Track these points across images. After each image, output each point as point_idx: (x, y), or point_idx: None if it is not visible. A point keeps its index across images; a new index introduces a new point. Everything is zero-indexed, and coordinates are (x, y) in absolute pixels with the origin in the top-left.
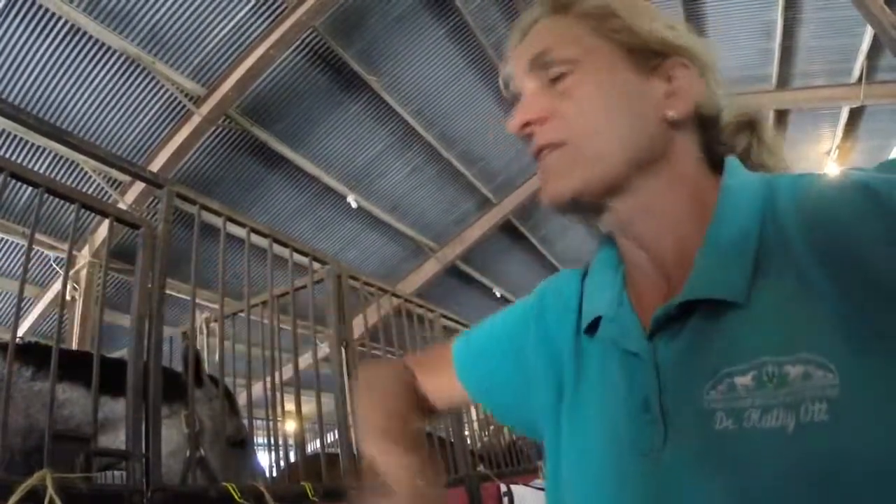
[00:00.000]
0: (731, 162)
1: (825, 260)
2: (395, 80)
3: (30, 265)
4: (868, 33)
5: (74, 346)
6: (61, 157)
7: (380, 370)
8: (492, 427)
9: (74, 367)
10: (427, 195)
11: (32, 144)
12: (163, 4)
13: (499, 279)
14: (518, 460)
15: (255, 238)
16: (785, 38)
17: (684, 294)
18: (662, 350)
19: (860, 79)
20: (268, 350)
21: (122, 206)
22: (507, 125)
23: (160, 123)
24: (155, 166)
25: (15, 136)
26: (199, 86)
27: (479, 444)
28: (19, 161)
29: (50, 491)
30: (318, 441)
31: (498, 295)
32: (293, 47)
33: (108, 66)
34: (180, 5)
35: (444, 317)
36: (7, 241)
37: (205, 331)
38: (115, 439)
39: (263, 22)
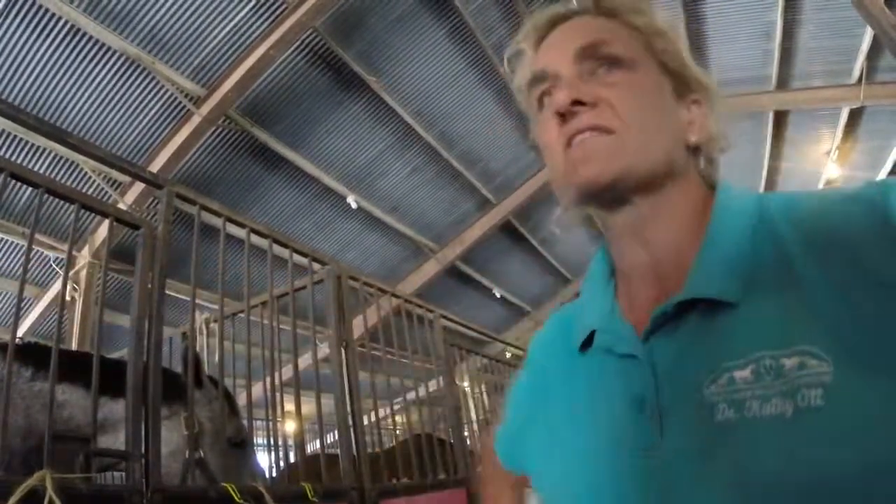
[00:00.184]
0: (725, 182)
1: (820, 260)
2: (395, 81)
3: (29, 265)
4: (868, 34)
5: (74, 347)
6: (61, 158)
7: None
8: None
9: (74, 367)
10: (427, 196)
11: (32, 145)
12: (163, 5)
13: (498, 280)
14: None
15: (254, 238)
16: (785, 39)
17: (685, 293)
18: (658, 350)
19: (860, 79)
20: (268, 350)
21: (122, 206)
22: (555, 99)
23: (160, 124)
24: (155, 167)
25: (15, 136)
26: (199, 86)
27: (478, 445)
28: (19, 161)
29: (49, 491)
30: (317, 441)
31: (498, 295)
32: (293, 48)
33: (108, 67)
34: (180, 6)
35: (444, 317)
36: (7, 241)
37: (205, 331)
38: (115, 440)
39: (263, 22)
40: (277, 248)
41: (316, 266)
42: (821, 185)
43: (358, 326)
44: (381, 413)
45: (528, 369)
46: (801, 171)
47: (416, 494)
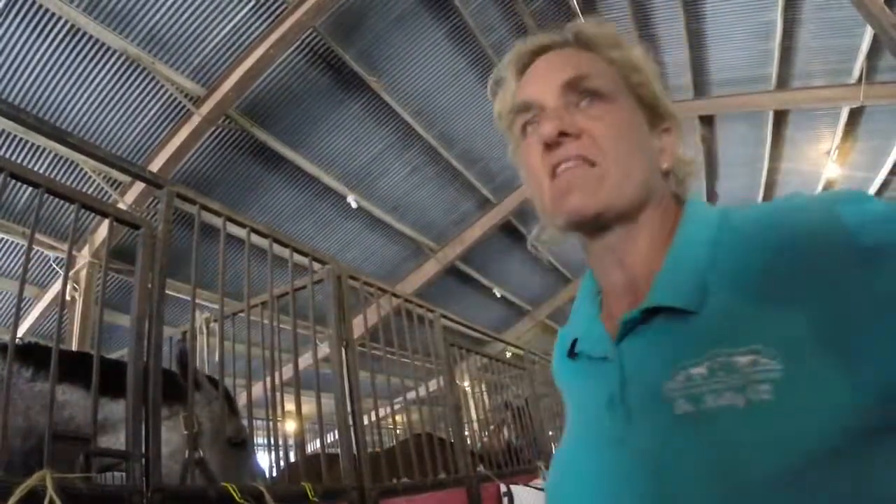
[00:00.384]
0: (692, 201)
1: (771, 268)
2: (395, 81)
3: (29, 265)
4: (868, 34)
5: (74, 347)
6: (61, 158)
7: None
8: (491, 427)
9: (74, 368)
10: (427, 195)
11: (32, 144)
12: (163, 5)
13: (499, 279)
14: (517, 460)
15: (254, 238)
16: (785, 39)
17: (647, 302)
18: (627, 352)
19: (860, 79)
20: (268, 350)
21: (121, 206)
22: (542, 131)
23: (160, 124)
24: (155, 166)
25: (15, 136)
26: (198, 86)
27: (478, 445)
28: (19, 161)
29: (50, 491)
30: (318, 441)
31: (498, 295)
32: (293, 47)
33: (108, 67)
34: (180, 6)
35: (445, 317)
36: (7, 241)
37: (205, 331)
38: (115, 441)
39: (263, 22)
40: (277, 248)
41: (316, 266)
42: (821, 185)
43: (358, 326)
44: (382, 413)
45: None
46: (800, 170)
47: (417, 494)
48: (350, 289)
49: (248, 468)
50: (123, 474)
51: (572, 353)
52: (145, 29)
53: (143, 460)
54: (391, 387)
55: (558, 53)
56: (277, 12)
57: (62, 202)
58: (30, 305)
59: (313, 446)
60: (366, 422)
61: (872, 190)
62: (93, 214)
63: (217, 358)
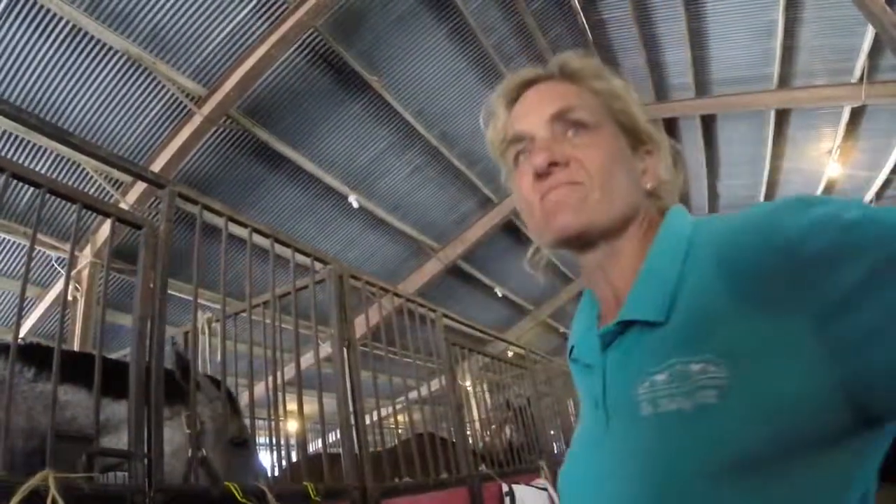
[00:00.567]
0: (670, 213)
1: (724, 280)
2: (396, 80)
3: (31, 265)
4: (869, 33)
5: (76, 347)
6: (62, 158)
7: None
8: (493, 427)
9: (76, 369)
10: (428, 195)
11: (34, 145)
12: (164, 5)
13: (500, 279)
14: (519, 460)
15: (256, 238)
16: (786, 38)
17: (619, 316)
18: (608, 360)
19: (861, 78)
20: (270, 350)
21: (123, 206)
22: (534, 161)
23: (161, 124)
24: (156, 166)
25: (16, 136)
26: (200, 86)
27: (480, 444)
28: (21, 161)
29: (52, 491)
30: (319, 441)
31: (500, 295)
32: (294, 47)
33: (109, 67)
34: (181, 5)
35: (446, 316)
36: (8, 241)
37: (206, 331)
38: (118, 441)
39: (264, 22)
40: (279, 248)
41: (318, 265)
42: (822, 184)
43: (360, 326)
44: (384, 412)
45: None
46: (802, 169)
47: (419, 494)
48: (352, 288)
49: (251, 468)
50: (126, 474)
51: (573, 360)
52: (146, 29)
53: (146, 460)
54: (393, 386)
55: (545, 86)
56: (278, 12)
57: (64, 202)
58: (31, 305)
59: (315, 446)
60: (367, 421)
61: (874, 189)
62: (95, 214)
63: (219, 358)
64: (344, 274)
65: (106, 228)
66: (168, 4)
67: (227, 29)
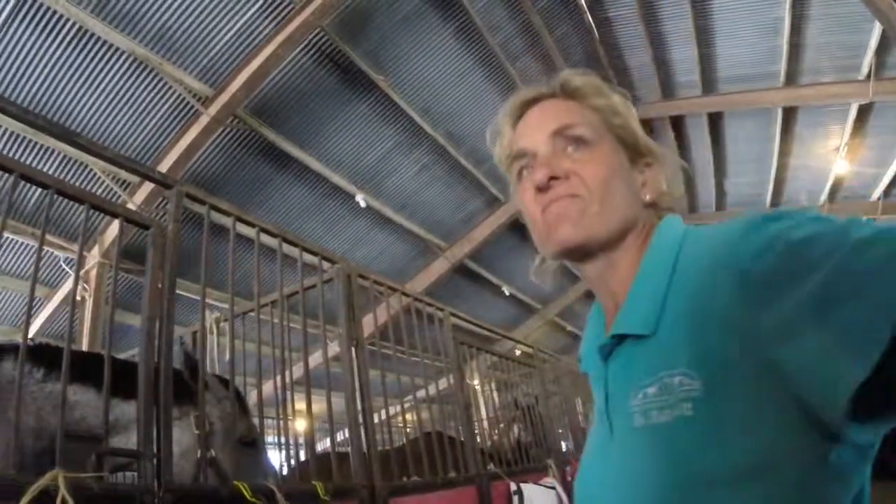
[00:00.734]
0: (660, 225)
1: (700, 294)
2: (403, 80)
3: (39, 266)
4: (876, 29)
5: (84, 347)
6: (69, 159)
7: None
8: (501, 426)
9: (86, 369)
10: (435, 194)
11: (41, 146)
12: (170, 5)
13: (508, 277)
14: (527, 459)
15: (264, 238)
16: (793, 35)
17: (612, 331)
18: (609, 371)
19: (869, 75)
20: (278, 349)
21: (131, 206)
22: (535, 177)
23: (168, 124)
24: (164, 167)
25: (23, 137)
26: (207, 86)
27: (488, 443)
28: (28, 162)
29: (62, 490)
30: (328, 440)
31: (507, 293)
32: (301, 47)
33: (115, 68)
34: (188, 6)
35: (454, 315)
36: (17, 241)
37: (215, 330)
38: (127, 442)
39: (271, 22)
40: (287, 247)
41: (326, 265)
42: (830, 182)
43: (368, 325)
44: (392, 411)
45: None
46: (809, 167)
47: (427, 493)
48: (360, 288)
49: (260, 467)
50: (135, 474)
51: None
52: (153, 30)
53: (155, 460)
54: (401, 385)
55: (547, 104)
56: (285, 12)
57: (71, 203)
58: (40, 306)
59: (323, 445)
60: (376, 420)
61: (882, 186)
62: (102, 215)
63: (227, 357)
64: (352, 273)
65: (113, 229)
66: (174, 5)
67: (234, 29)
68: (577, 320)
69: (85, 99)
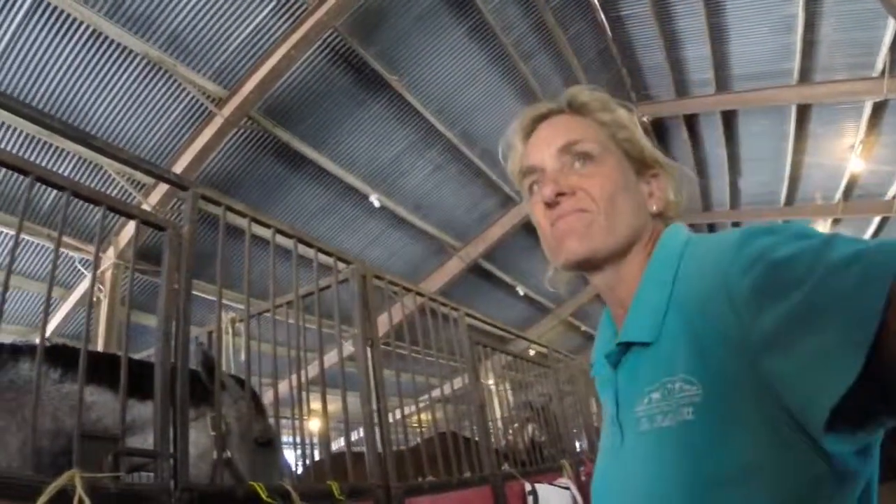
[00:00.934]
0: (664, 235)
1: (697, 302)
2: (416, 79)
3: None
4: (890, 26)
5: (100, 348)
6: (84, 160)
7: None
8: (515, 426)
9: (102, 370)
10: (449, 194)
11: (56, 148)
12: (183, 7)
13: (522, 277)
14: (542, 458)
15: (279, 238)
16: (806, 32)
17: (618, 338)
18: (618, 378)
19: (883, 72)
20: (293, 350)
21: (145, 207)
22: (543, 193)
23: (182, 125)
24: (178, 168)
25: (38, 139)
26: (220, 87)
27: (503, 443)
28: (43, 164)
29: (79, 490)
30: (343, 439)
31: (521, 293)
32: (314, 48)
33: (130, 70)
34: (201, 8)
35: (469, 315)
36: (32, 242)
37: (230, 331)
38: (143, 442)
39: (284, 23)
40: (302, 248)
41: (341, 265)
42: (844, 180)
43: (383, 325)
44: (406, 411)
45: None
46: (824, 165)
47: (442, 492)
48: (374, 288)
49: (276, 466)
50: (151, 474)
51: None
52: (167, 32)
53: (172, 460)
54: (416, 385)
55: (555, 120)
56: (298, 13)
57: (86, 204)
58: (55, 306)
59: (338, 444)
60: (391, 420)
61: None
62: (117, 216)
63: (243, 358)
64: (367, 274)
65: (128, 230)
66: (188, 7)
67: (247, 30)
68: (590, 320)
69: (99, 101)
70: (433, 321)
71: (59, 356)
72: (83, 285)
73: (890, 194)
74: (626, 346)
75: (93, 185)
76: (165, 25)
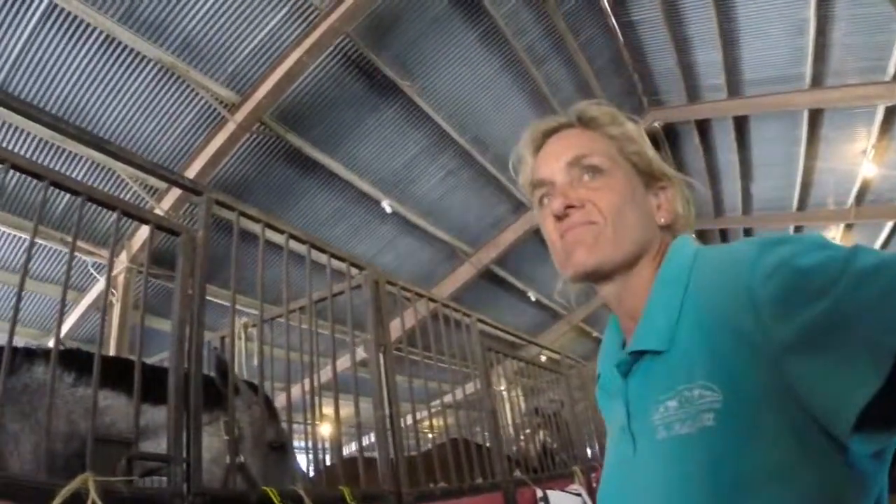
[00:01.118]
0: (672, 247)
1: (712, 310)
2: (428, 85)
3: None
4: None
5: (112, 352)
6: (98, 165)
7: None
8: (527, 432)
9: (116, 374)
10: (461, 199)
11: (70, 152)
12: (196, 13)
13: (533, 283)
14: (553, 465)
15: (292, 243)
16: (818, 36)
17: (629, 347)
18: (629, 387)
19: (895, 76)
20: (306, 355)
21: (158, 212)
22: (552, 206)
23: (195, 130)
24: (191, 173)
25: (52, 144)
26: (233, 93)
27: (514, 449)
28: (57, 169)
29: (92, 494)
30: (355, 444)
31: (533, 299)
32: (326, 53)
33: (143, 75)
34: (214, 14)
35: (481, 321)
36: (45, 247)
37: (243, 336)
38: (157, 447)
39: (296, 29)
40: (315, 253)
41: (354, 271)
42: (857, 184)
43: (395, 330)
44: (418, 416)
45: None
46: (836, 169)
47: (453, 499)
48: (387, 293)
49: (288, 471)
50: (164, 478)
51: (600, 386)
52: (180, 37)
53: (185, 464)
54: (428, 390)
55: (565, 134)
56: (310, 18)
57: (99, 209)
58: (68, 310)
59: (350, 449)
60: (403, 425)
61: None
62: (131, 221)
63: (256, 362)
64: (380, 279)
65: (140, 234)
66: (201, 13)
67: (260, 36)
68: (602, 325)
69: (112, 106)
70: (445, 327)
71: (74, 360)
72: (96, 289)
73: None
74: (637, 355)
75: (106, 190)
76: (178, 31)
